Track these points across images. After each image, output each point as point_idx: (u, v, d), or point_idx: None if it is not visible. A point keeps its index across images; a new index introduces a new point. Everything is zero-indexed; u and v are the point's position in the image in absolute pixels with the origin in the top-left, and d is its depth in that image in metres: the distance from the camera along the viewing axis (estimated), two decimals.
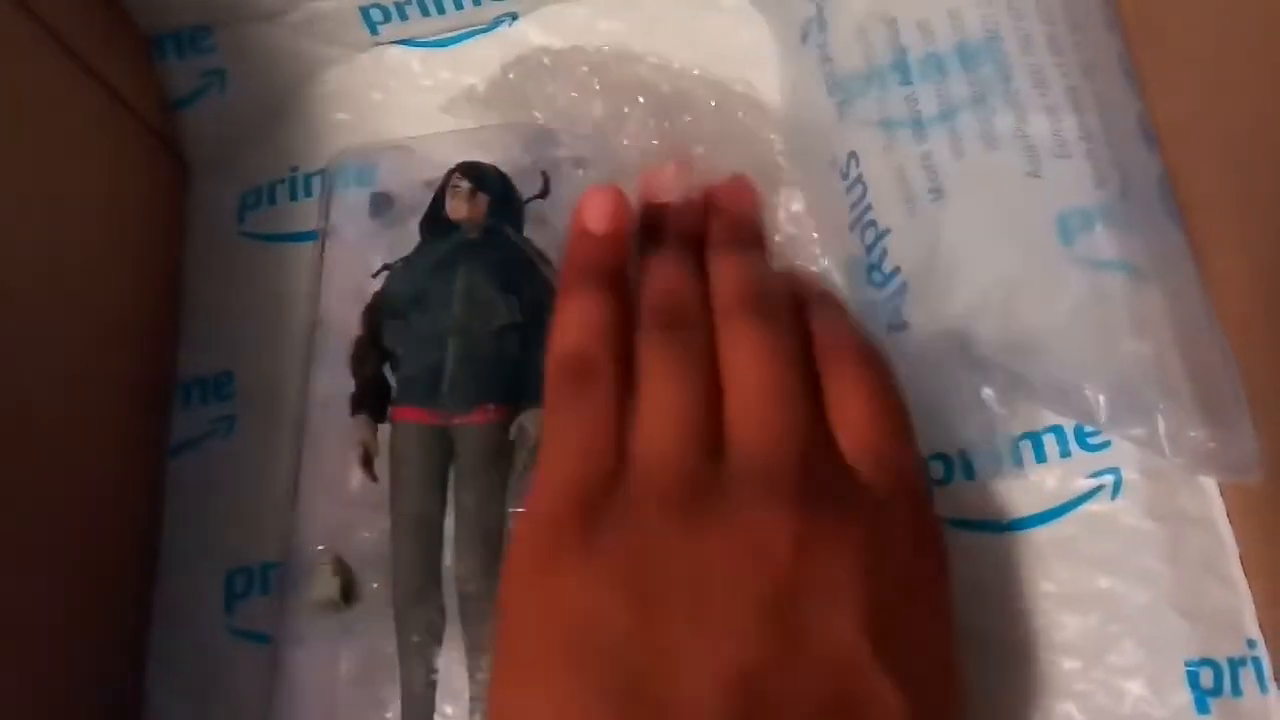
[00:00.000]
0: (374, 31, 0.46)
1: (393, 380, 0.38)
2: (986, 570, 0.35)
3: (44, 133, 0.38)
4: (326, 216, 0.41)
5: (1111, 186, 0.34)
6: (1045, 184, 0.34)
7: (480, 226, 0.38)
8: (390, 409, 0.37)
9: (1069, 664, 0.34)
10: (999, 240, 0.34)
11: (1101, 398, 0.31)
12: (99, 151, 0.42)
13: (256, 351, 0.42)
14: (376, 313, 0.38)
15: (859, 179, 0.37)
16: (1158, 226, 0.35)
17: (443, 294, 0.36)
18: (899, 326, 0.35)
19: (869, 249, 0.37)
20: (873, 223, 0.37)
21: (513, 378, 0.36)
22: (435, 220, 0.39)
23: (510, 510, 0.35)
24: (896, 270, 0.36)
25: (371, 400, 0.37)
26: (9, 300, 0.34)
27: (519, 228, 0.39)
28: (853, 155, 0.37)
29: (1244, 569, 0.34)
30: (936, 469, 0.36)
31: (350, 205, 0.41)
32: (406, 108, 0.46)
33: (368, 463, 0.36)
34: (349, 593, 0.36)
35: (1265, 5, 0.30)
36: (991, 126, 0.35)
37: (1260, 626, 0.33)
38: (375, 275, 0.39)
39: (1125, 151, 0.35)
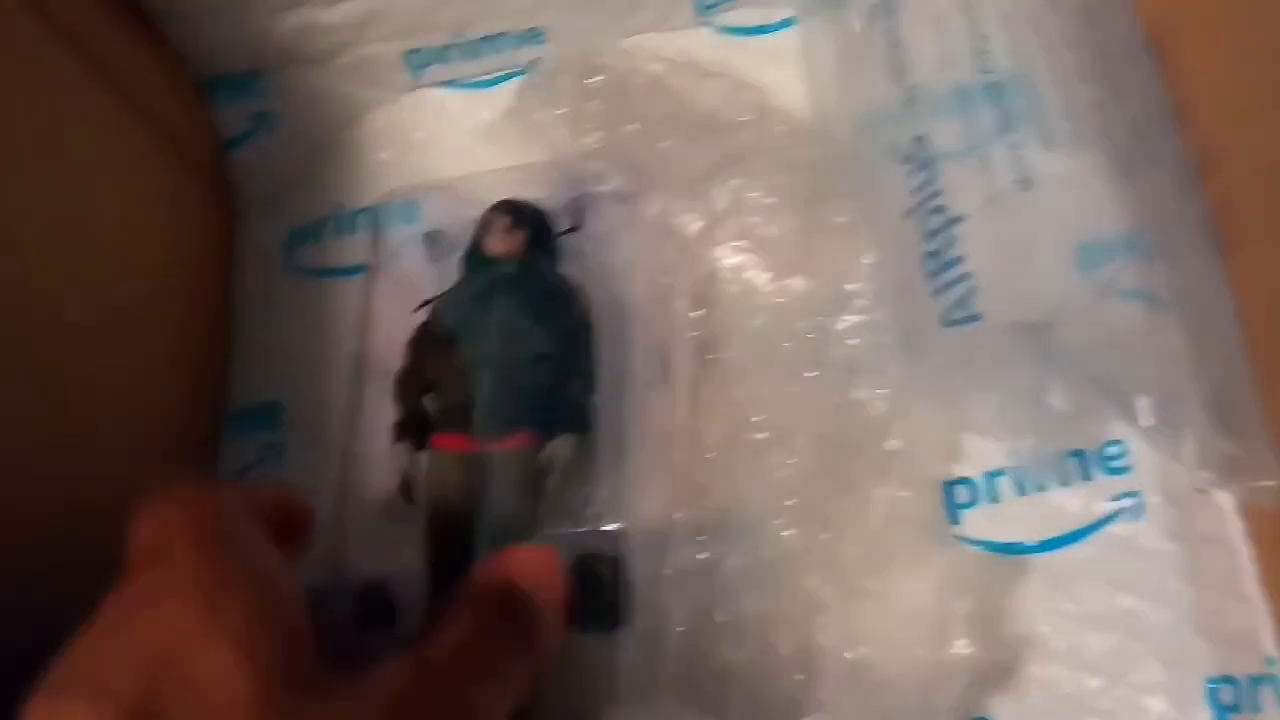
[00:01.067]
0: (416, 75, 0.48)
1: (433, 409, 0.39)
2: (1012, 591, 0.36)
3: (101, 172, 0.40)
4: (375, 253, 0.43)
5: (1152, 210, 0.35)
6: (1086, 206, 0.35)
7: (517, 260, 0.39)
8: (431, 438, 0.38)
9: (1092, 682, 0.35)
10: (1043, 252, 0.35)
11: (1146, 404, 0.32)
12: (154, 190, 0.43)
13: (304, 382, 0.44)
14: (420, 344, 0.39)
15: (927, 163, 0.37)
16: (1197, 251, 0.35)
17: (481, 326, 0.38)
18: (969, 319, 0.35)
19: (931, 234, 0.37)
20: (940, 208, 0.36)
21: (545, 405, 0.37)
22: (475, 255, 0.40)
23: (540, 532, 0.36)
24: (960, 259, 0.35)
25: (413, 429, 0.38)
26: (67, 334, 0.36)
27: (554, 261, 0.41)
28: (919, 139, 0.38)
29: (1263, 589, 0.35)
30: (963, 493, 0.38)
31: (397, 242, 0.43)
32: (447, 147, 0.48)
33: (407, 489, 0.37)
34: (392, 617, 0.36)
35: None
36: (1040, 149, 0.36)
37: None
38: (417, 310, 0.40)
39: (1166, 176, 0.36)
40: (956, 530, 0.37)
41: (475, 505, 0.36)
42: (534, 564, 0.31)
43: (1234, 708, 0.34)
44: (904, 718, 0.33)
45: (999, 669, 0.35)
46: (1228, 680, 0.34)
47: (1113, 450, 0.37)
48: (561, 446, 0.36)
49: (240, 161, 0.47)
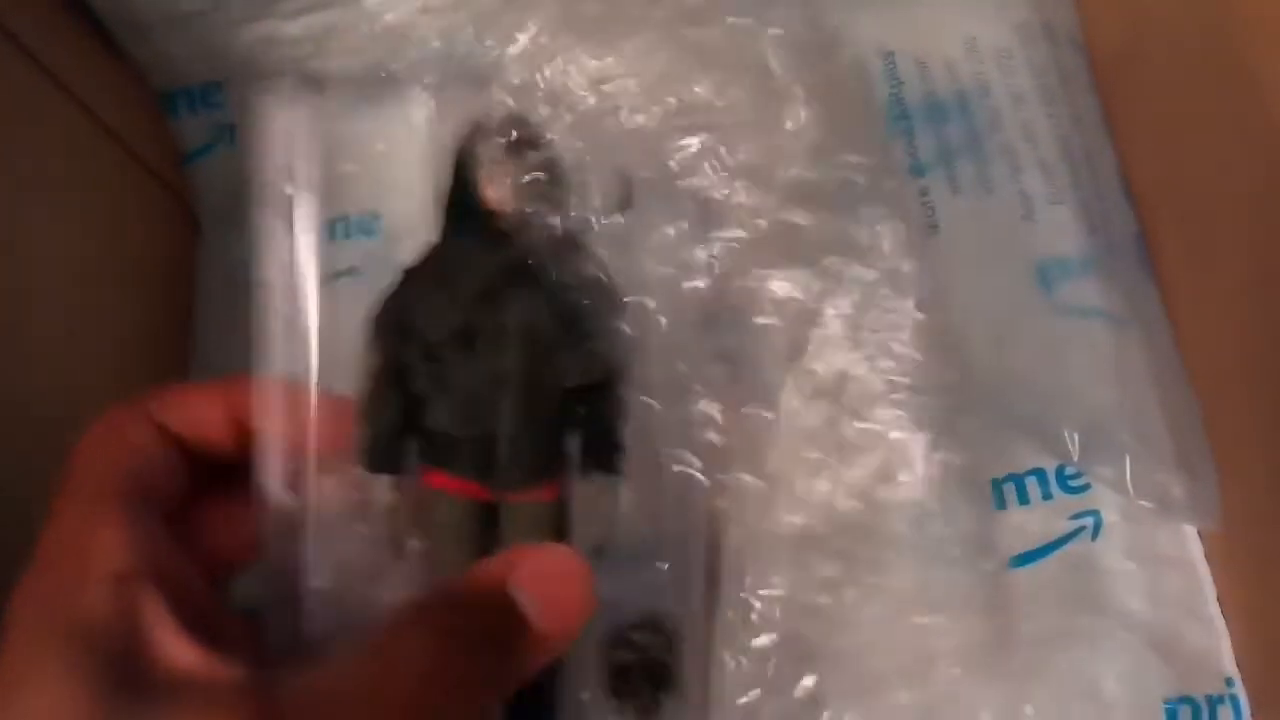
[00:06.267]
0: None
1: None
2: (970, 610, 0.36)
3: (59, 184, 0.39)
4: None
5: (1097, 238, 0.36)
6: (1033, 232, 0.36)
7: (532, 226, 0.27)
8: (421, 469, 0.28)
9: (1051, 702, 0.34)
10: (988, 279, 0.35)
11: (1076, 436, 0.32)
12: (113, 203, 0.43)
13: None
14: (396, 340, 0.28)
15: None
16: (1134, 278, 0.36)
17: (492, 329, 0.27)
18: None
19: None
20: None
21: (571, 438, 0.28)
22: (463, 207, 0.28)
23: None
24: None
25: (395, 456, 0.28)
26: (26, 348, 0.35)
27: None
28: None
29: (1222, 609, 0.35)
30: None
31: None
32: (410, 158, 0.47)
33: (397, 537, 0.28)
34: None
35: (1228, 67, 0.31)
36: (986, 173, 0.36)
37: (1238, 665, 0.34)
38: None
39: (1107, 205, 0.37)
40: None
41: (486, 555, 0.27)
42: (544, 567, 0.24)
43: None
44: None
45: (954, 688, 0.34)
46: (1186, 700, 0.34)
47: (1071, 469, 0.37)
48: (606, 495, 0.28)
49: (201, 173, 0.47)
